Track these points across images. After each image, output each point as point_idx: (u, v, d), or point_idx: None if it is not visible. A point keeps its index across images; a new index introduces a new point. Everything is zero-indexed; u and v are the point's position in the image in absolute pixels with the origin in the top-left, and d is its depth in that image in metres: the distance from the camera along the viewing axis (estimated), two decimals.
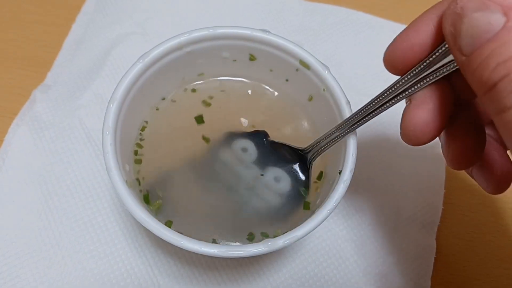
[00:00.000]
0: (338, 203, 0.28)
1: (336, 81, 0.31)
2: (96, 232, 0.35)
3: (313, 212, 0.28)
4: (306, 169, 0.33)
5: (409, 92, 0.24)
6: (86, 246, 0.35)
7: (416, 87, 0.23)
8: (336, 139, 0.30)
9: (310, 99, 0.34)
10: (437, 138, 0.25)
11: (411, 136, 0.24)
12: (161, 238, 0.27)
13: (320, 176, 0.34)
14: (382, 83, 0.41)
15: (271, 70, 0.34)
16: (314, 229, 0.27)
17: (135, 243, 0.35)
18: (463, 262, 0.37)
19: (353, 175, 0.29)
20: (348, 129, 0.28)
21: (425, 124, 0.23)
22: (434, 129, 0.23)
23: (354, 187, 0.38)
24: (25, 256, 0.34)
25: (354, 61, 0.44)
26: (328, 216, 0.27)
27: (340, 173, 0.29)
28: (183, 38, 0.31)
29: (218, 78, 0.36)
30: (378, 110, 0.26)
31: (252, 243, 0.27)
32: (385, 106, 0.26)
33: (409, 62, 0.23)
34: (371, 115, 0.27)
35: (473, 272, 0.37)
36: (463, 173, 0.40)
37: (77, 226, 0.35)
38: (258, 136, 0.34)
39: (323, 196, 0.30)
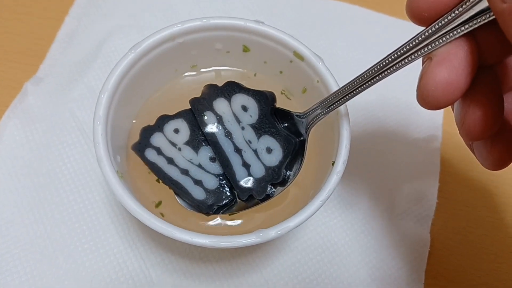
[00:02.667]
0: (331, 193, 0.27)
1: (330, 72, 0.31)
2: (88, 225, 0.35)
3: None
4: (302, 146, 0.31)
5: (431, 47, 0.21)
6: (78, 239, 0.34)
7: (440, 41, 0.21)
8: (343, 100, 0.27)
9: (304, 91, 0.34)
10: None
11: (430, 97, 0.21)
12: (152, 229, 0.26)
13: None
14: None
15: (265, 62, 0.34)
16: (306, 220, 0.27)
17: (127, 236, 0.34)
18: (457, 256, 0.37)
19: (346, 167, 0.29)
20: (362, 86, 0.25)
21: (448, 83, 0.20)
22: (457, 89, 0.21)
23: (348, 180, 0.38)
24: (16, 250, 0.34)
25: (349, 55, 0.44)
26: (320, 206, 0.27)
27: (333, 164, 0.29)
28: (175, 29, 0.31)
29: (212, 68, 0.36)
30: (394, 67, 0.23)
31: (244, 234, 0.27)
32: (402, 63, 0.23)
33: (436, 9, 0.21)
34: (385, 73, 0.24)
35: (466, 266, 0.36)
36: (457, 167, 0.40)
37: (68, 219, 0.35)
38: (265, 98, 0.31)
39: (316, 187, 0.30)
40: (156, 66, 0.32)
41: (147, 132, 0.32)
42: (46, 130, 0.38)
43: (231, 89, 0.32)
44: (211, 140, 0.31)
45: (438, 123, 0.41)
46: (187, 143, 0.32)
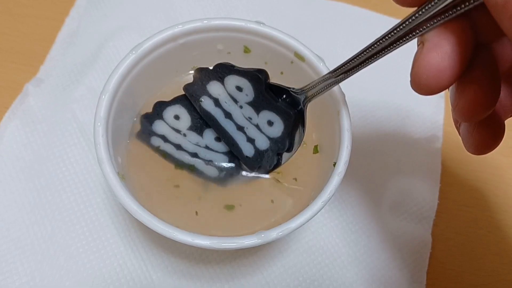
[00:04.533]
0: (333, 195, 0.27)
1: None
2: (89, 226, 0.35)
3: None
4: (302, 116, 0.31)
5: (422, 30, 0.21)
6: (79, 240, 0.34)
7: (431, 23, 0.20)
8: (335, 82, 0.27)
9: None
10: None
11: (422, 84, 0.21)
12: (153, 231, 0.26)
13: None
14: (378, 77, 0.41)
15: (266, 63, 0.34)
16: (308, 221, 0.26)
17: (128, 237, 0.34)
18: (458, 256, 0.37)
19: (348, 168, 0.29)
20: (352, 69, 0.26)
21: (441, 70, 0.20)
22: (450, 76, 0.20)
23: (349, 181, 0.38)
24: (17, 251, 0.34)
25: (350, 55, 0.43)
26: (322, 208, 0.27)
27: (334, 165, 0.28)
28: (176, 30, 0.31)
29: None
30: (384, 51, 0.23)
31: (245, 235, 0.26)
32: (392, 47, 0.23)
33: None
34: (376, 56, 0.24)
35: (468, 267, 0.36)
36: (458, 168, 0.40)
37: (69, 220, 0.35)
38: (256, 77, 0.31)
39: (317, 188, 0.30)
40: (157, 67, 0.32)
41: (147, 120, 0.33)
42: (47, 131, 0.38)
43: (222, 71, 0.32)
44: (212, 123, 0.32)
45: (439, 123, 0.41)
46: (190, 128, 0.33)
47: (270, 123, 0.31)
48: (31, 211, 0.35)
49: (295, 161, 0.33)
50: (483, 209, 0.39)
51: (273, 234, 0.26)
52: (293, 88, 0.30)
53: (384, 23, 0.45)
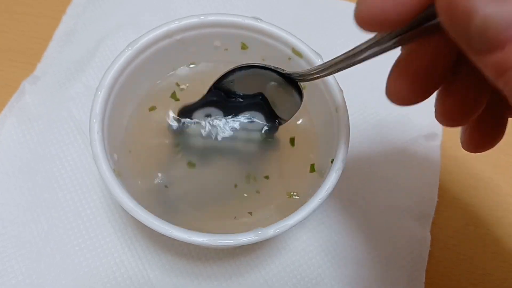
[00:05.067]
0: (330, 192, 0.27)
1: None
2: (85, 224, 0.34)
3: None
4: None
5: (383, 48, 0.20)
6: (75, 238, 0.34)
7: (394, 42, 0.19)
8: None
9: (304, 87, 0.33)
10: None
11: (394, 100, 0.21)
12: (150, 228, 0.26)
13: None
14: (375, 73, 0.41)
15: (263, 60, 0.34)
16: (305, 218, 0.26)
17: (125, 235, 0.34)
18: (457, 255, 0.36)
19: (346, 166, 0.28)
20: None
21: (409, 92, 0.20)
22: (421, 96, 0.20)
23: (347, 179, 0.37)
24: (13, 249, 0.33)
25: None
26: (319, 205, 0.27)
27: (332, 162, 0.28)
28: (173, 26, 0.31)
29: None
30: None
31: (242, 232, 0.26)
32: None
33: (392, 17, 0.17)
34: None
35: (467, 266, 0.36)
36: (458, 166, 0.40)
37: (66, 218, 0.34)
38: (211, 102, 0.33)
39: (315, 185, 0.29)
40: (153, 63, 0.32)
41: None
42: (43, 129, 0.38)
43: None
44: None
45: None
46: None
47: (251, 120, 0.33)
48: (27, 209, 0.35)
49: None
50: (482, 207, 0.38)
51: (270, 231, 0.26)
52: (288, 72, 0.30)
53: None
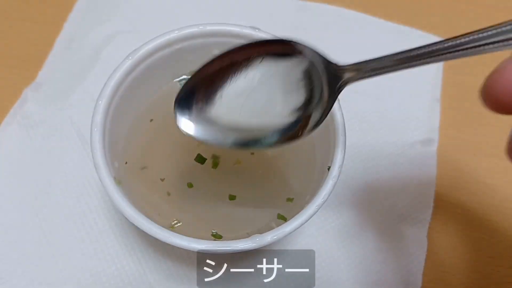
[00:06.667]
0: (327, 198, 0.28)
1: None
2: (87, 230, 0.35)
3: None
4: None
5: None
6: (77, 244, 0.34)
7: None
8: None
9: None
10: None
11: (498, 101, 0.18)
12: (149, 235, 0.26)
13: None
14: (373, 80, 0.41)
15: None
16: (302, 225, 0.27)
17: (126, 241, 0.35)
18: (454, 259, 0.37)
19: (342, 172, 0.29)
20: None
21: None
22: None
23: (344, 185, 0.38)
24: (15, 255, 0.34)
25: (346, 60, 0.44)
26: (316, 211, 0.27)
27: (329, 169, 0.29)
28: (172, 35, 0.31)
29: None
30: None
31: (240, 239, 0.27)
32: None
33: None
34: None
35: (464, 270, 0.37)
36: (454, 170, 0.40)
37: (67, 224, 0.35)
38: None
39: (311, 192, 0.30)
40: (153, 73, 0.32)
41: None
42: (45, 136, 0.38)
43: None
44: None
45: (435, 126, 0.41)
46: None
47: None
48: (29, 215, 0.35)
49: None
50: (478, 211, 0.39)
51: (268, 237, 0.26)
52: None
53: (380, 27, 0.46)
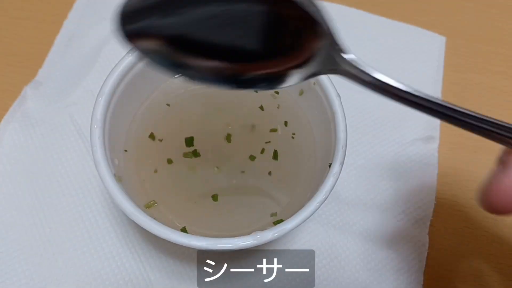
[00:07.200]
0: (328, 195, 0.27)
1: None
2: (87, 228, 0.35)
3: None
4: None
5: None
6: (77, 242, 0.34)
7: None
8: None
9: (301, 93, 0.34)
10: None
11: (496, 208, 0.20)
12: (150, 232, 0.26)
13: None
14: None
15: None
16: (303, 222, 0.27)
17: (126, 238, 0.34)
18: (455, 257, 0.37)
19: (343, 169, 0.29)
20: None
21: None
22: None
23: (345, 182, 0.38)
24: (16, 253, 0.34)
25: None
26: (317, 208, 0.27)
27: (330, 166, 0.29)
28: None
29: None
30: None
31: (241, 236, 0.27)
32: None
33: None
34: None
35: (465, 267, 0.36)
36: (455, 168, 0.40)
37: (67, 222, 0.35)
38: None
39: (312, 189, 0.30)
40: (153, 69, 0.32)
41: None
42: (45, 134, 0.38)
43: None
44: None
45: (436, 124, 0.41)
46: None
47: None
48: (30, 213, 0.35)
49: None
50: (479, 210, 0.38)
51: (269, 235, 0.26)
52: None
53: (381, 24, 0.46)
